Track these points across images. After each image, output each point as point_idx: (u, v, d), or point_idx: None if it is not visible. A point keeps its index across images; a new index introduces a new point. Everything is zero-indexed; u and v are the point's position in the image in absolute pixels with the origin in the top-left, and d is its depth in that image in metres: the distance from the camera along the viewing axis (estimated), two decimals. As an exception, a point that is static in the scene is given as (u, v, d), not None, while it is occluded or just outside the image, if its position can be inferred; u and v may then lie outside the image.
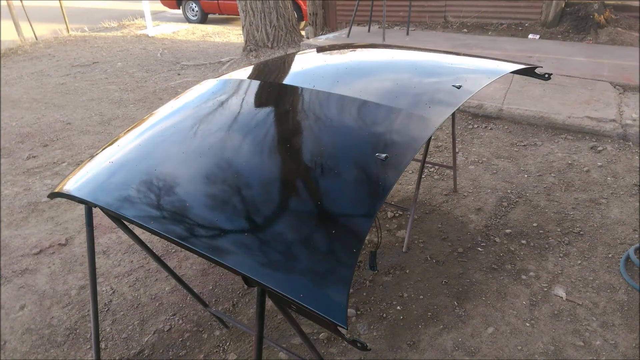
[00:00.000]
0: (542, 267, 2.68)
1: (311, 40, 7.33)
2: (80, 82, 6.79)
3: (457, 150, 3.97)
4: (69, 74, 7.22)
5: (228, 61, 7.41)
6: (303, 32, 8.35)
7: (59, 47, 8.95)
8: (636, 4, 6.47)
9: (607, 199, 3.26)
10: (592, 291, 2.50)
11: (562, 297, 2.47)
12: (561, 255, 2.78)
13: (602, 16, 6.45)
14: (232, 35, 9.70)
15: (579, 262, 2.72)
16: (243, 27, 7.61)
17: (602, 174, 3.55)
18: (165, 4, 11.85)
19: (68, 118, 5.40)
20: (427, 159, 3.16)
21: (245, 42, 7.68)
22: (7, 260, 3.03)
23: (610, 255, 2.74)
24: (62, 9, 10.06)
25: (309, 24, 8.45)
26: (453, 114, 2.94)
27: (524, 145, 4.08)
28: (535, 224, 3.06)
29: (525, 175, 3.62)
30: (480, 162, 3.90)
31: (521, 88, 4.94)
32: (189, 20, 11.41)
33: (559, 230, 2.99)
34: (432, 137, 4.33)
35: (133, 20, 11.37)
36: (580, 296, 2.48)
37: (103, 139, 4.77)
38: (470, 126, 4.53)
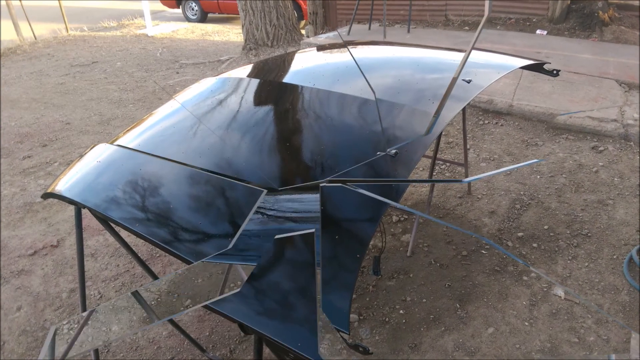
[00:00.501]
0: (551, 271, 2.65)
1: (311, 39, 7.29)
2: (80, 81, 6.75)
3: (468, 146, 3.90)
4: (68, 73, 7.18)
5: (227, 60, 7.37)
6: (303, 31, 8.30)
7: (58, 47, 8.91)
8: (636, 3, 6.43)
9: (614, 199, 3.22)
10: (597, 293, 2.48)
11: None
12: (570, 258, 2.75)
13: (606, 14, 6.41)
14: (231, 34, 9.66)
15: (586, 264, 2.68)
16: (243, 26, 7.57)
17: (610, 175, 3.51)
18: (164, 4, 11.80)
19: (67, 118, 5.37)
20: (437, 156, 3.03)
21: (245, 40, 7.64)
22: (5, 260, 3.02)
23: (615, 257, 2.71)
24: (61, 9, 10.02)
25: (309, 23, 8.40)
26: (463, 109, 2.88)
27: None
28: (546, 227, 3.02)
29: (538, 176, 3.57)
30: (492, 159, 3.85)
31: (530, 84, 4.89)
32: (188, 20, 11.37)
33: (568, 232, 2.96)
34: (443, 133, 4.27)
35: (132, 19, 11.33)
36: (586, 298, 2.45)
37: (102, 139, 4.73)
38: (481, 122, 4.47)
